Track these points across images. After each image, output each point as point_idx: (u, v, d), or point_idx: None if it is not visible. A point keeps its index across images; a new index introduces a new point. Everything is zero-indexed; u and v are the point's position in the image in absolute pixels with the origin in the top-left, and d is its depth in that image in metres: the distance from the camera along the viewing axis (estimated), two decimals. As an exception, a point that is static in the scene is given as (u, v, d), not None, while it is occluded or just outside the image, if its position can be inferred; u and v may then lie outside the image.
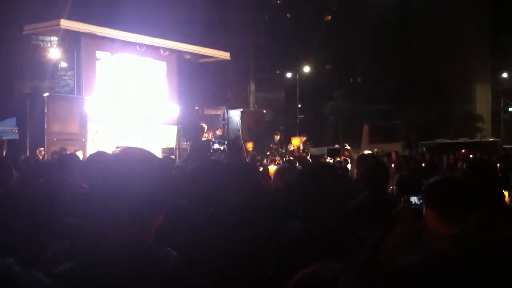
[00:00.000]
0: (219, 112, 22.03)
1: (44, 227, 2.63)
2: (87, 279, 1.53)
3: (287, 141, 21.86)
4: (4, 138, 17.03)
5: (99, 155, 4.10)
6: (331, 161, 13.48)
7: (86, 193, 2.78)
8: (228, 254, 2.73)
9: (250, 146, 11.50)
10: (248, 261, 2.62)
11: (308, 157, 15.22)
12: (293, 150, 17.58)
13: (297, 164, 7.78)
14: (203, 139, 17.47)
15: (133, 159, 1.69)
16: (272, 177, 5.41)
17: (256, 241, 2.77)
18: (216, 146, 10.23)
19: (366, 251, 1.82)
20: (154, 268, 1.59)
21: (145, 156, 1.73)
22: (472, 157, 15.15)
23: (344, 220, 2.16)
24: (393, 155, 15.15)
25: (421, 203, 2.94)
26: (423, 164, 16.25)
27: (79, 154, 11.75)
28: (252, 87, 37.79)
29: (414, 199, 3.08)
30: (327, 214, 2.15)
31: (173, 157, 15.11)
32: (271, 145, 19.13)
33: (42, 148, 13.97)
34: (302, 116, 42.11)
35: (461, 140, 31.46)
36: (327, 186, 2.39)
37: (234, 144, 11.02)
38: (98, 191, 1.67)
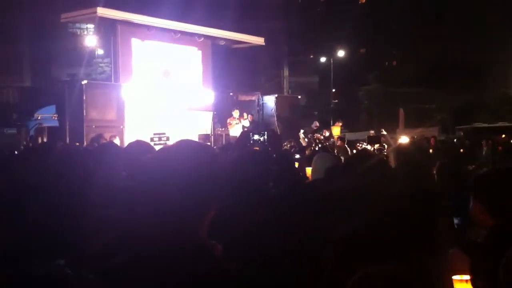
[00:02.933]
0: (253, 98, 21.90)
1: (85, 219, 2.62)
2: (142, 274, 1.53)
3: (321, 127, 21.68)
4: (45, 125, 17.38)
5: (141, 145, 4.07)
6: (372, 148, 13.35)
7: (132, 185, 2.78)
8: (270, 245, 2.74)
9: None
10: (292, 253, 2.62)
11: (345, 144, 15.11)
12: (333, 140, 17.21)
13: (336, 153, 7.74)
14: (236, 125, 17.57)
15: (192, 152, 1.68)
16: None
17: (299, 232, 2.77)
18: (256, 137, 10.18)
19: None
20: (209, 263, 1.60)
21: (203, 149, 1.72)
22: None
23: (393, 216, 2.14)
24: (432, 140, 14.94)
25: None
26: (461, 150, 15.96)
27: (116, 141, 11.90)
28: (286, 72, 37.56)
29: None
30: (378, 208, 2.13)
31: (209, 143, 15.17)
32: (309, 135, 18.91)
33: (78, 144, 13.83)
34: (336, 101, 41.72)
35: (500, 124, 30.61)
36: (375, 177, 2.37)
37: (273, 133, 10.98)
38: (152, 184, 1.66)
